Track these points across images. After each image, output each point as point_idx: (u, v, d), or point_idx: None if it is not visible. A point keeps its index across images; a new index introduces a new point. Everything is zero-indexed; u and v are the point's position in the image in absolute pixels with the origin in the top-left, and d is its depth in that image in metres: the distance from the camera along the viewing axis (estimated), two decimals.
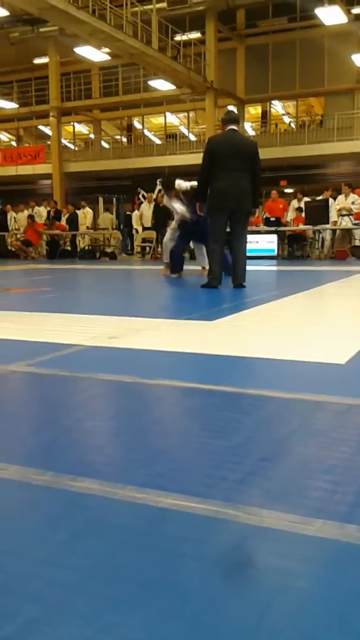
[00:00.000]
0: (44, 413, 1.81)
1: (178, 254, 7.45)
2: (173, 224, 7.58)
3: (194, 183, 6.61)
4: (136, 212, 15.61)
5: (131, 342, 2.83)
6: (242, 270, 5.66)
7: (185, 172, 21.20)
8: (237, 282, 5.63)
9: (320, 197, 13.71)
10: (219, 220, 5.76)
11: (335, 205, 13.07)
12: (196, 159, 22.90)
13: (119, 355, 2.60)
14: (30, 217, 15.92)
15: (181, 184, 6.96)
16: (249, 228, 13.10)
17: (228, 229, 5.87)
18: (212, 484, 1.20)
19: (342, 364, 2.30)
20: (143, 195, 15.20)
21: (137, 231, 15.58)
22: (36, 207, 17.12)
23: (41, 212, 17.09)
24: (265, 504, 1.11)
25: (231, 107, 21.87)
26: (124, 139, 27.73)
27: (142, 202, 15.27)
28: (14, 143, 29.72)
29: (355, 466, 1.29)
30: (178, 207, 6.90)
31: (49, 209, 17.16)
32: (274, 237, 12.81)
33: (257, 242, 12.80)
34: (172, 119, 27.16)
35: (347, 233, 13.22)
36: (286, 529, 1.02)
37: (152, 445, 1.46)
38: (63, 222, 16.08)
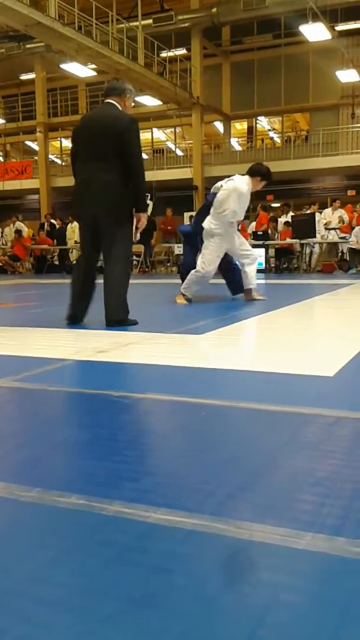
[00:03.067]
0: (30, 428, 1.79)
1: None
2: None
3: None
4: None
5: (119, 356, 2.82)
6: (113, 304, 4.01)
7: (173, 187, 21.25)
8: (108, 318, 4.01)
9: (308, 212, 13.84)
10: (81, 232, 4.31)
11: (322, 219, 13.19)
12: (183, 173, 22.88)
13: (107, 369, 2.59)
14: (18, 232, 15.89)
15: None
16: None
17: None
18: (201, 499, 1.19)
19: (331, 377, 2.31)
20: None
21: None
22: (17, 222, 17.05)
23: (23, 226, 17.04)
24: (254, 518, 1.10)
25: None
26: None
27: None
28: (0, 159, 29.74)
29: (344, 479, 1.29)
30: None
31: (43, 222, 17.17)
32: (261, 251, 12.87)
33: None
34: (159, 134, 27.31)
35: (334, 247, 13.32)
36: (276, 543, 1.02)
37: (140, 460, 1.45)
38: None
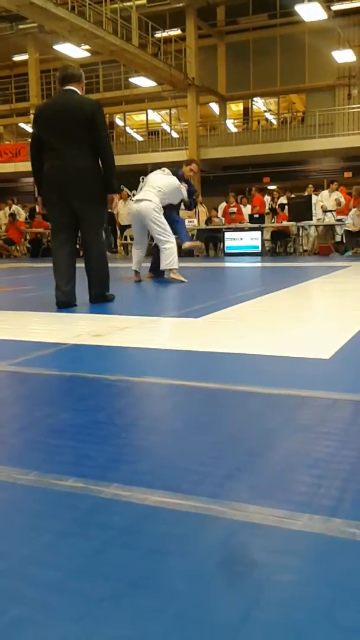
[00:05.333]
0: (27, 412, 1.80)
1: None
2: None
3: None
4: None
5: (115, 340, 2.82)
6: (99, 283, 4.29)
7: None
8: (92, 294, 4.30)
9: (305, 194, 13.79)
10: (51, 218, 4.43)
11: (318, 201, 13.14)
12: (179, 156, 22.81)
13: (104, 353, 2.59)
14: (12, 216, 15.80)
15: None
16: (234, 225, 13.21)
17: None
18: (198, 480, 1.20)
19: (327, 359, 2.31)
20: None
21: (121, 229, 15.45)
22: (14, 206, 16.91)
23: (19, 210, 16.90)
24: (251, 500, 1.11)
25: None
26: None
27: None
28: None
29: (340, 460, 1.30)
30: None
31: (35, 205, 17.02)
32: (257, 234, 12.83)
33: (242, 239, 12.82)
34: (154, 116, 27.12)
35: (330, 229, 13.29)
36: (272, 524, 1.02)
37: (137, 442, 1.46)
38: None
